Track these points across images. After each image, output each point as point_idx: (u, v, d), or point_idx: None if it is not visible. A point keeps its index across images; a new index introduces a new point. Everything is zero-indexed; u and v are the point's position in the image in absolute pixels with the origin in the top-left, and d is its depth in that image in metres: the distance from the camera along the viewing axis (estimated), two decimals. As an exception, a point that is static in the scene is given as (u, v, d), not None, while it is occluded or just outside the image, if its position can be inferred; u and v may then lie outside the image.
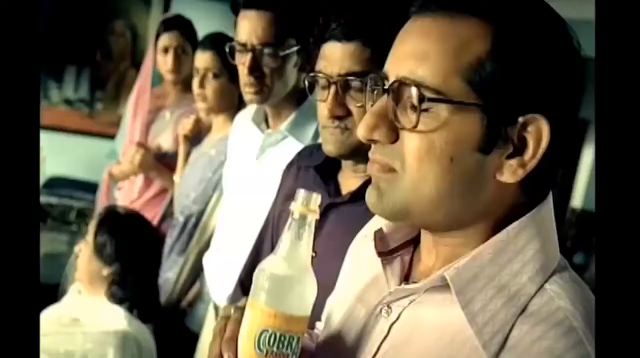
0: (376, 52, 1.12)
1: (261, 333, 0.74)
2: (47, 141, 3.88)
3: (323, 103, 1.19)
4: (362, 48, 1.15)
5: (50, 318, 1.94)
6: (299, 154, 1.49)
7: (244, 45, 1.59)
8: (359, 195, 1.18)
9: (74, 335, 1.86)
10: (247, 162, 1.78)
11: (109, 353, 1.80)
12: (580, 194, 5.42)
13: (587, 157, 5.43)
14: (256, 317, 0.75)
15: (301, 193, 0.76)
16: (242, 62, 1.60)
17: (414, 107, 0.69)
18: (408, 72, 0.70)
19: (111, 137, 3.74)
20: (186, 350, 2.04)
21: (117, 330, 1.85)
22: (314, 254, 0.79)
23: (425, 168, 0.70)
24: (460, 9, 0.70)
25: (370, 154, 0.76)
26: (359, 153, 1.17)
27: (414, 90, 0.69)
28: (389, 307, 0.78)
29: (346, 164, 1.29)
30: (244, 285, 1.53)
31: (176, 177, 2.46)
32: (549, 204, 0.75)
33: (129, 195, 2.65)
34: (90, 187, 3.83)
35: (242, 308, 0.78)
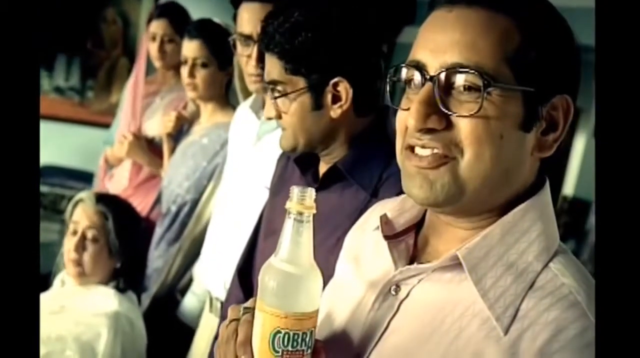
0: None
1: (275, 335, 0.74)
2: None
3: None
4: None
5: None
6: None
7: (248, 37, 1.62)
8: (325, 181, 1.26)
9: (63, 321, 1.85)
10: (244, 149, 1.80)
11: (103, 333, 1.79)
12: (571, 182, 5.45)
13: (579, 145, 5.45)
14: (267, 319, 0.75)
15: (295, 190, 0.75)
16: (247, 54, 1.64)
17: (470, 92, 0.73)
18: (462, 59, 0.73)
19: (103, 125, 3.73)
20: (175, 339, 2.03)
21: (108, 311, 1.85)
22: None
23: (483, 147, 0.74)
24: (488, 5, 0.75)
25: (414, 144, 0.77)
26: None
27: (474, 76, 0.73)
28: (397, 286, 0.81)
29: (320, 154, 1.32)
30: (242, 273, 1.52)
31: (162, 172, 2.44)
32: (547, 190, 0.81)
33: (119, 183, 2.63)
34: (82, 176, 3.82)
35: (251, 309, 0.79)
